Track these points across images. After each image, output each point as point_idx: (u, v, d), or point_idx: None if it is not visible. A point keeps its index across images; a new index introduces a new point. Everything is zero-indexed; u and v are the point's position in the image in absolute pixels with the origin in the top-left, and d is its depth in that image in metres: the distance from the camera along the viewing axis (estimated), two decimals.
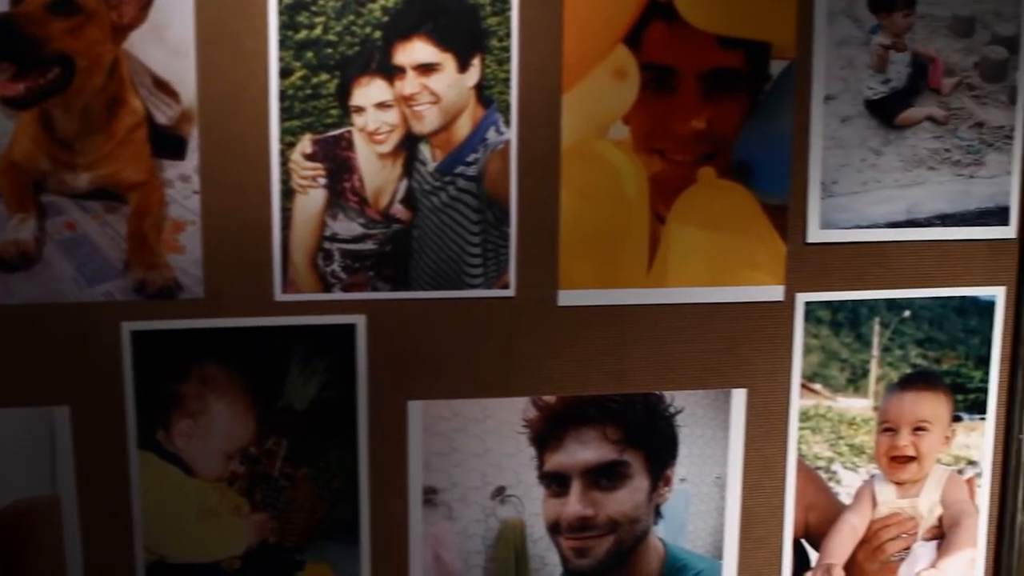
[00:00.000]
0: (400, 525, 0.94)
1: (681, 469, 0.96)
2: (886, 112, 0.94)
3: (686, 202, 0.93)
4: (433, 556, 0.95)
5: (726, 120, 0.92)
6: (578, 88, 0.90)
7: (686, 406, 0.95)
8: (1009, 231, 0.98)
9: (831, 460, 0.99)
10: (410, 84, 0.88)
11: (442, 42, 0.88)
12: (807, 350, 0.96)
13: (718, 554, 0.98)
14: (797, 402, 0.97)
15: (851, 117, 0.94)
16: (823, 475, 0.99)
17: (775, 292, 0.95)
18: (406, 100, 0.88)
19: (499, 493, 0.95)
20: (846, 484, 0.99)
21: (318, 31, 0.86)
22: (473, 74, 0.89)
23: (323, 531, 0.93)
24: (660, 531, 0.97)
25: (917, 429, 0.99)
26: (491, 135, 0.90)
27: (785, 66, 0.92)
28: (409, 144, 0.89)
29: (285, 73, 0.86)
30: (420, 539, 0.94)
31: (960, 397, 1.00)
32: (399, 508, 0.93)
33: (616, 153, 0.91)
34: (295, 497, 0.93)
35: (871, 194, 0.95)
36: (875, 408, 0.98)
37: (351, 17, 0.86)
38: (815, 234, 0.95)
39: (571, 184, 0.91)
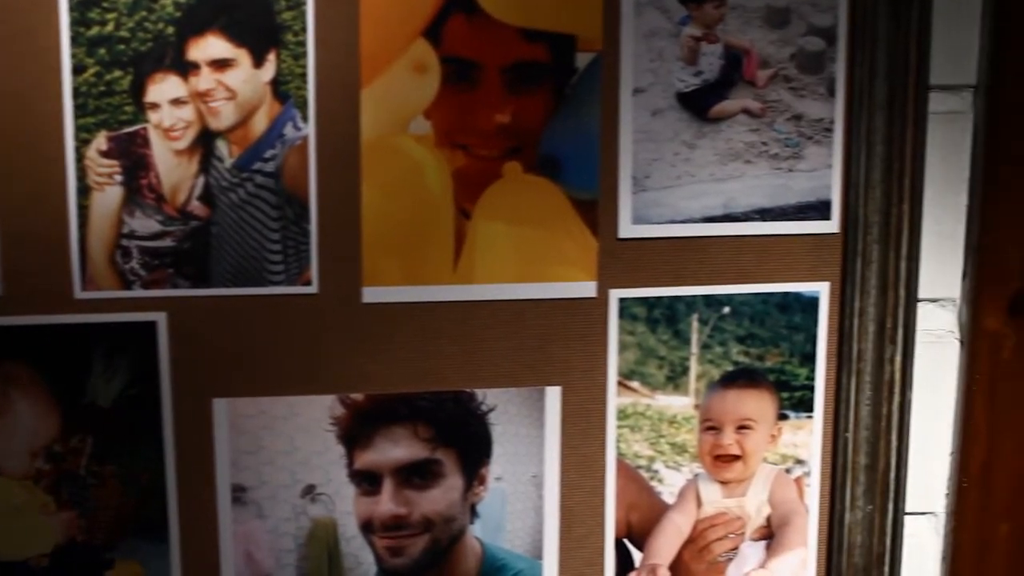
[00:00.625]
0: (209, 523, 0.93)
1: (496, 468, 0.95)
2: (699, 105, 0.93)
3: (492, 197, 0.92)
4: (244, 554, 0.94)
5: (531, 114, 0.91)
6: (377, 83, 0.89)
7: (499, 404, 0.94)
8: (832, 226, 0.96)
9: (652, 459, 0.97)
10: (205, 80, 0.87)
11: (236, 37, 0.87)
12: (623, 347, 0.95)
13: (538, 554, 0.97)
14: (614, 400, 0.95)
15: (662, 110, 0.92)
16: (645, 474, 0.98)
17: (587, 288, 0.94)
18: (201, 96, 0.88)
19: (309, 491, 0.94)
20: (669, 483, 0.98)
21: (110, 27, 0.86)
22: (269, 69, 0.88)
23: (132, 529, 0.93)
24: (477, 530, 0.96)
25: (741, 427, 0.98)
26: (288, 131, 0.89)
27: (591, 59, 0.91)
28: (205, 140, 0.88)
29: (78, 70, 0.86)
30: (230, 537, 0.94)
31: (785, 395, 0.98)
32: (208, 506, 0.93)
33: (417, 148, 0.90)
34: (102, 495, 0.93)
35: (685, 188, 0.94)
36: (696, 406, 0.97)
37: (143, 13, 0.86)
38: (627, 229, 0.93)
39: (372, 180, 0.90)
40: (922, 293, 0.99)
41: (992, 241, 0.98)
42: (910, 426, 0.98)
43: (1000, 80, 0.96)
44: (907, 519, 1.02)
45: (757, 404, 0.98)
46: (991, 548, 1.01)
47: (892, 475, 0.97)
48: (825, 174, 0.95)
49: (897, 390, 0.96)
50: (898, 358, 0.96)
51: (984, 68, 0.97)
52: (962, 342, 1.00)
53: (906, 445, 0.98)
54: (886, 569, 0.98)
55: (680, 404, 0.97)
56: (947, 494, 1.02)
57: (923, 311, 1.00)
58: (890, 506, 0.98)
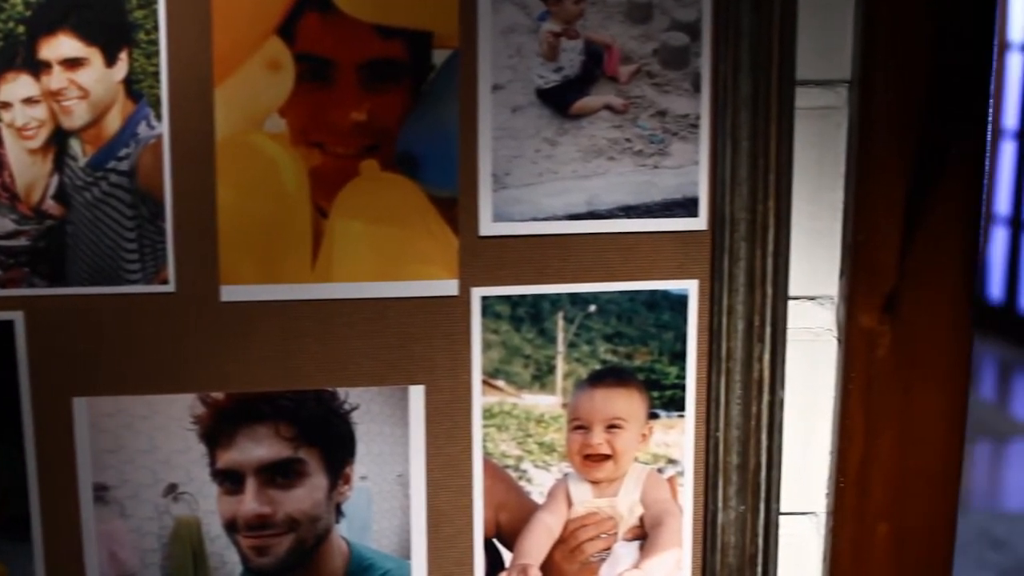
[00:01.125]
0: (73, 523, 0.93)
1: (361, 467, 0.95)
2: (560, 101, 0.92)
3: (349, 196, 0.91)
4: (108, 553, 0.94)
5: (388, 112, 0.90)
6: (231, 81, 0.89)
7: (362, 403, 0.94)
8: (700, 223, 0.95)
9: (520, 458, 0.97)
10: (57, 79, 0.87)
11: (87, 36, 0.87)
12: (487, 346, 0.94)
13: (406, 553, 0.97)
14: (480, 399, 0.95)
15: (522, 107, 0.92)
16: (513, 474, 0.97)
17: (449, 287, 0.93)
18: (53, 95, 0.88)
19: (171, 491, 0.94)
20: (538, 483, 0.97)
21: None
22: (121, 68, 0.88)
23: None
24: (343, 530, 0.95)
25: (611, 427, 0.97)
26: (142, 129, 0.89)
27: (448, 56, 0.90)
28: (59, 139, 0.88)
29: None
30: (93, 537, 0.93)
31: (656, 394, 0.97)
32: (71, 506, 0.93)
33: (272, 146, 0.90)
34: None
35: (547, 185, 0.93)
36: (564, 405, 0.96)
37: None
38: (488, 227, 0.92)
39: (227, 178, 0.90)
40: (799, 291, 0.98)
41: (866, 238, 0.96)
42: (783, 425, 0.97)
43: (872, 75, 0.94)
44: (787, 519, 1.01)
45: (626, 403, 0.97)
46: (870, 548, 1.00)
47: (763, 475, 0.96)
48: (692, 171, 0.94)
49: (766, 389, 0.95)
50: (766, 356, 0.94)
51: (857, 63, 0.95)
52: (840, 340, 0.99)
53: (778, 445, 0.97)
54: (759, 570, 0.97)
55: (547, 403, 0.96)
56: (827, 494, 1.01)
57: (801, 309, 0.99)
58: (762, 506, 0.97)
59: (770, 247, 0.93)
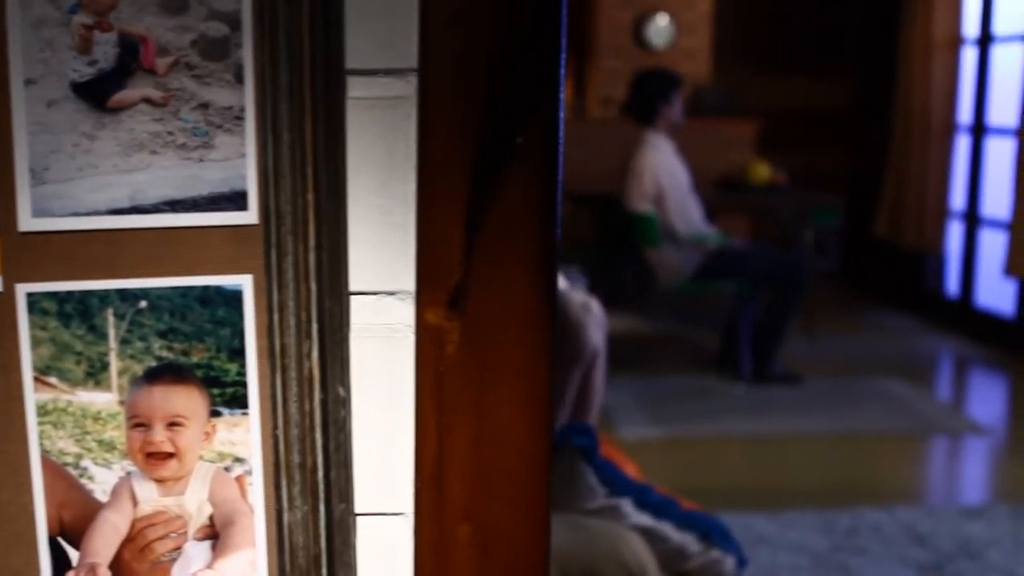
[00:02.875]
0: None
1: None
2: (96, 95, 0.90)
3: None
4: None
5: None
6: None
7: None
8: (250, 216, 0.93)
9: (80, 456, 0.95)
10: None
11: None
12: (37, 343, 0.93)
13: None
14: (33, 396, 0.94)
15: (57, 101, 0.90)
16: (74, 472, 0.95)
17: None
18: None
19: None
20: (100, 481, 0.96)
21: None
22: None
23: None
24: None
25: (172, 424, 0.95)
26: None
27: None
28: None
29: None
30: None
31: (217, 391, 0.95)
32: None
33: None
34: None
35: (88, 180, 0.91)
36: (121, 402, 0.95)
37: None
38: (27, 223, 0.91)
39: None
40: (375, 285, 0.96)
41: (431, 231, 0.94)
42: (347, 423, 0.95)
43: (430, 63, 0.92)
44: (372, 519, 0.99)
45: (186, 400, 0.95)
46: (453, 549, 0.98)
47: (321, 474, 0.94)
48: (239, 164, 0.92)
49: (318, 386, 0.93)
50: (315, 353, 0.93)
51: (420, 52, 0.93)
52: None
53: (340, 444, 0.95)
54: (324, 571, 0.95)
55: (104, 400, 0.95)
56: (413, 494, 0.99)
57: (381, 304, 0.97)
58: (322, 506, 0.95)
59: (312, 241, 0.91)
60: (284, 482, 0.95)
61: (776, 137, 6.85)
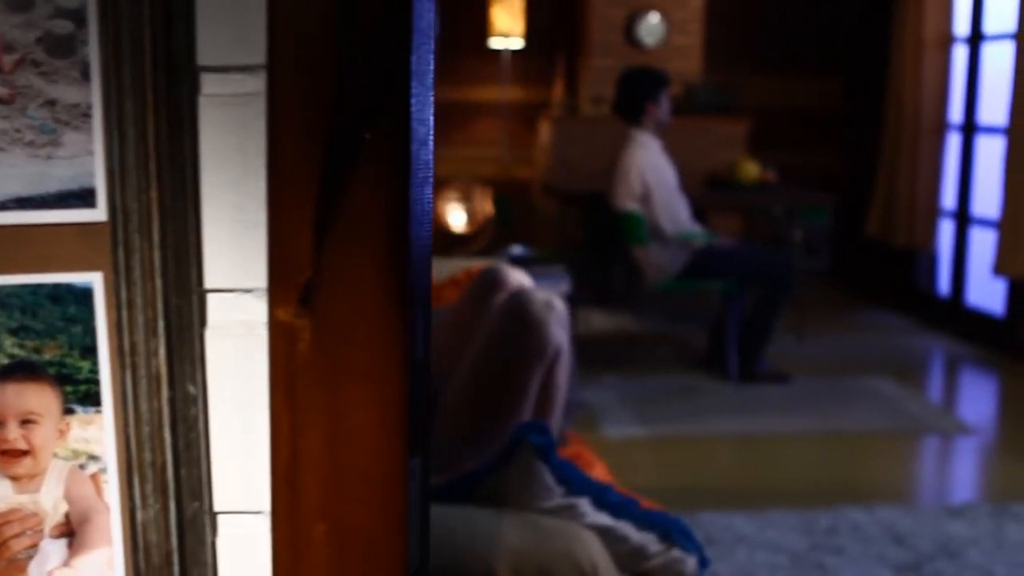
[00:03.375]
0: None
1: None
2: None
3: None
4: None
5: None
6: None
7: None
8: (99, 214, 0.93)
9: None
10: None
11: None
12: None
13: None
14: None
15: None
16: None
17: None
18: None
19: None
20: None
21: None
22: None
23: None
24: None
25: (26, 422, 0.95)
26: None
27: None
28: None
29: None
30: None
31: (70, 389, 0.95)
32: None
33: None
34: None
35: None
36: None
37: None
38: None
39: None
40: (231, 283, 0.96)
41: (281, 227, 0.94)
42: (198, 421, 0.95)
43: (277, 60, 0.92)
44: (231, 517, 0.99)
45: (39, 398, 0.95)
46: (309, 548, 0.97)
47: (171, 472, 0.94)
48: (87, 161, 0.92)
49: (165, 384, 0.93)
50: (162, 351, 0.92)
51: (268, 48, 0.93)
52: None
53: (190, 442, 0.95)
54: (175, 569, 0.95)
55: None
56: (270, 493, 0.99)
57: (239, 301, 0.96)
58: (172, 504, 0.95)
59: (157, 238, 0.91)
60: (136, 480, 0.95)
61: (767, 135, 6.82)
